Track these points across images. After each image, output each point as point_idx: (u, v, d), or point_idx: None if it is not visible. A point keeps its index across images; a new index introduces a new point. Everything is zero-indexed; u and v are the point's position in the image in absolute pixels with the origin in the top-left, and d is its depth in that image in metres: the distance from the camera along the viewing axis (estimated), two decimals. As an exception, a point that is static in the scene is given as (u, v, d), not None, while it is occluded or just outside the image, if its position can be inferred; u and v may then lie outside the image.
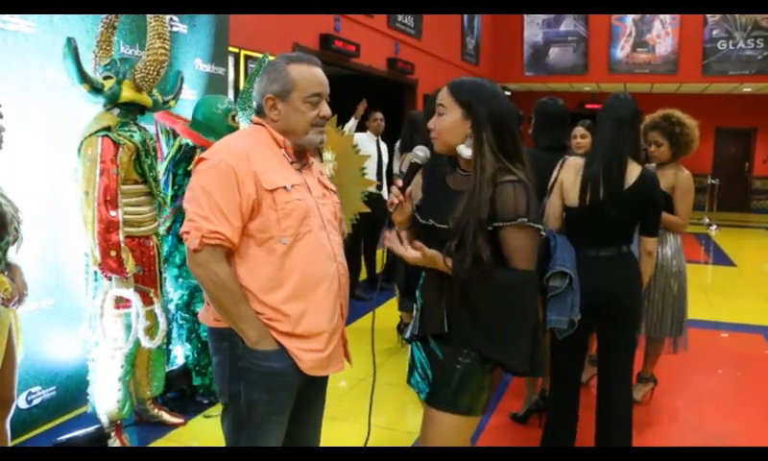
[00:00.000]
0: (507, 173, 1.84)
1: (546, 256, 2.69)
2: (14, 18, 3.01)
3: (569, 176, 2.79)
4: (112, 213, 2.80)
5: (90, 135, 2.84)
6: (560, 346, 2.83)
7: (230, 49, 4.71)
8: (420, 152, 2.00)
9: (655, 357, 3.87)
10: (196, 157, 1.92)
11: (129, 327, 3.02)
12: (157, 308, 3.09)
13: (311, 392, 2.03)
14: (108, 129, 2.87)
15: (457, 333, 1.91)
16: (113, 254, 2.81)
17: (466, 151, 1.90)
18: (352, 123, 6.36)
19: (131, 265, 2.89)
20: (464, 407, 1.92)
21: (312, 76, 1.89)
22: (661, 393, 3.97)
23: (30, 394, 3.20)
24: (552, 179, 2.89)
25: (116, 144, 2.86)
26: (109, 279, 2.88)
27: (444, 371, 1.93)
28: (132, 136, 2.95)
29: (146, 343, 3.04)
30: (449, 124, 1.91)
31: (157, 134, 3.49)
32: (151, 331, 3.06)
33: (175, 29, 3.95)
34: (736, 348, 5.19)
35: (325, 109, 1.92)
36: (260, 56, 4.49)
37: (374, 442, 3.27)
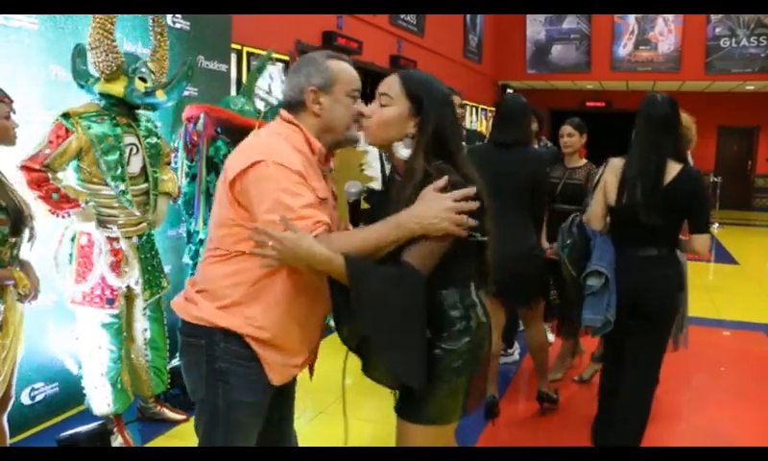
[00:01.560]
0: (438, 174, 1.70)
1: (586, 256, 2.77)
2: (17, 14, 3.02)
3: (612, 177, 2.78)
4: (34, 173, 2.79)
5: (56, 118, 2.90)
6: (607, 345, 3.01)
7: (233, 46, 4.71)
8: (353, 188, 1.92)
9: (657, 355, 3.87)
10: (237, 167, 1.71)
11: (104, 325, 3.03)
12: (124, 245, 3.05)
13: (285, 390, 1.96)
14: (68, 115, 2.89)
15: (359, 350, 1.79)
16: (56, 196, 2.83)
17: (403, 151, 1.77)
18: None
19: (81, 195, 2.91)
20: (431, 417, 1.79)
21: (351, 72, 1.85)
22: (663, 390, 3.95)
23: (33, 390, 3.21)
24: (596, 179, 2.92)
25: (68, 130, 2.87)
26: (68, 215, 2.90)
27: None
28: (89, 127, 2.92)
29: (113, 281, 2.99)
30: (392, 118, 1.76)
31: (188, 141, 3.52)
32: (118, 268, 3.03)
33: (177, 26, 3.95)
34: (738, 345, 5.19)
35: (362, 105, 1.84)
36: (263, 53, 4.48)
37: (373, 437, 3.28)
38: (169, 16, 3.86)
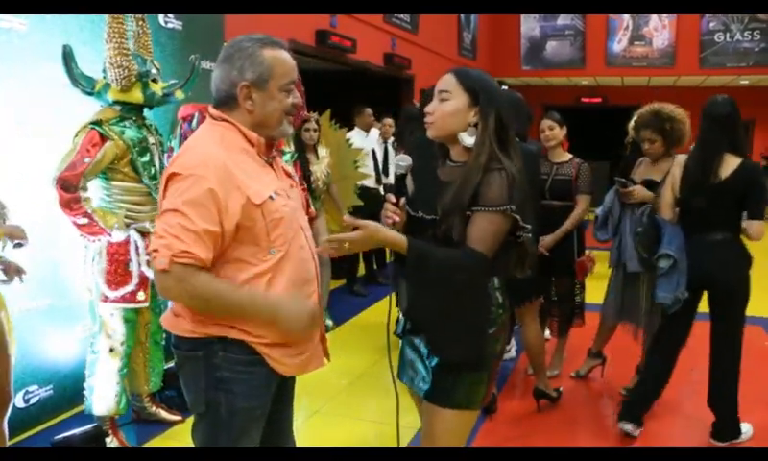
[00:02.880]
0: (498, 162, 1.83)
1: (656, 241, 3.11)
2: (6, 15, 3.00)
3: (677, 171, 3.13)
4: (68, 194, 2.82)
5: (84, 127, 2.91)
6: (667, 322, 3.24)
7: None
8: (403, 162, 1.98)
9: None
10: (166, 170, 1.70)
11: (127, 320, 3.05)
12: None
13: (284, 389, 1.94)
14: (100, 122, 2.92)
15: (416, 324, 1.96)
16: (85, 221, 2.87)
17: (468, 139, 1.88)
18: (355, 133, 6.19)
19: (109, 222, 2.93)
20: (460, 402, 1.91)
21: (287, 61, 1.76)
22: (661, 385, 3.96)
23: (27, 393, 3.20)
24: (664, 173, 3.30)
25: (103, 137, 2.90)
26: (99, 241, 2.95)
27: (438, 365, 1.91)
28: (123, 133, 2.97)
29: (151, 274, 3.06)
30: (453, 109, 1.88)
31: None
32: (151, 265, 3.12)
33: (170, 25, 3.93)
34: (735, 340, 5.17)
35: (297, 96, 1.81)
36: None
37: (373, 437, 3.27)
38: (161, 16, 3.85)
